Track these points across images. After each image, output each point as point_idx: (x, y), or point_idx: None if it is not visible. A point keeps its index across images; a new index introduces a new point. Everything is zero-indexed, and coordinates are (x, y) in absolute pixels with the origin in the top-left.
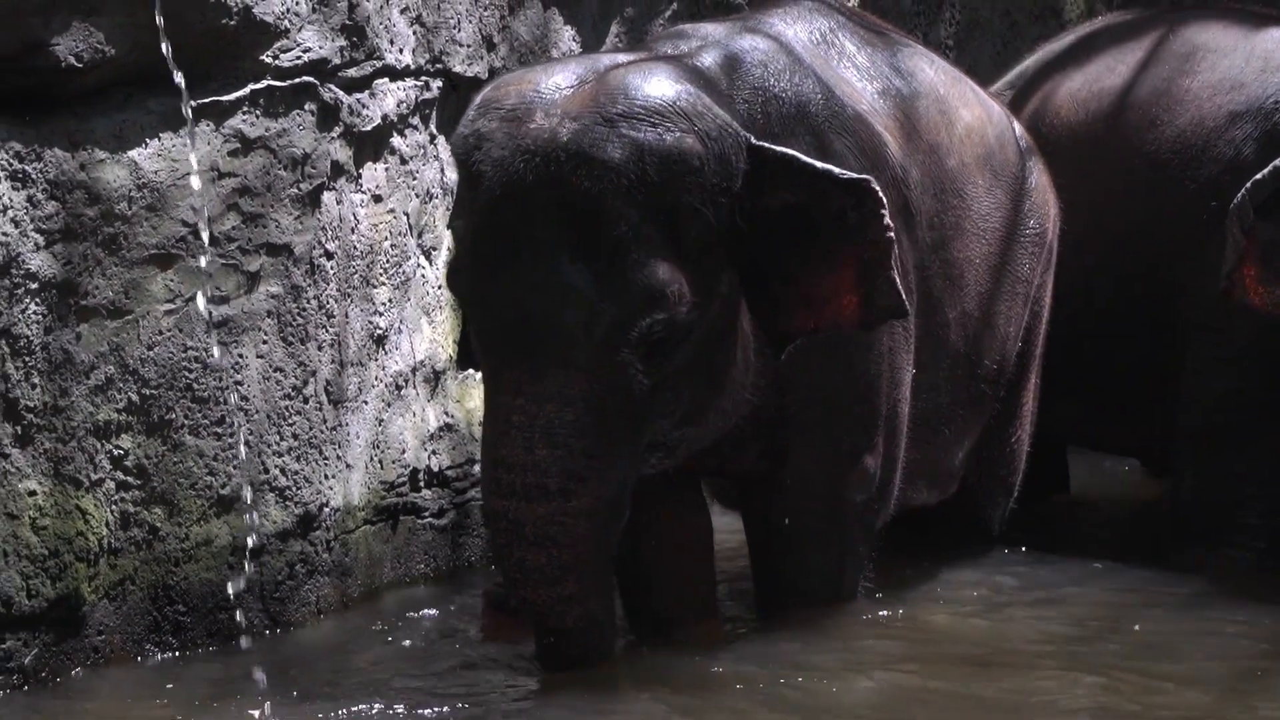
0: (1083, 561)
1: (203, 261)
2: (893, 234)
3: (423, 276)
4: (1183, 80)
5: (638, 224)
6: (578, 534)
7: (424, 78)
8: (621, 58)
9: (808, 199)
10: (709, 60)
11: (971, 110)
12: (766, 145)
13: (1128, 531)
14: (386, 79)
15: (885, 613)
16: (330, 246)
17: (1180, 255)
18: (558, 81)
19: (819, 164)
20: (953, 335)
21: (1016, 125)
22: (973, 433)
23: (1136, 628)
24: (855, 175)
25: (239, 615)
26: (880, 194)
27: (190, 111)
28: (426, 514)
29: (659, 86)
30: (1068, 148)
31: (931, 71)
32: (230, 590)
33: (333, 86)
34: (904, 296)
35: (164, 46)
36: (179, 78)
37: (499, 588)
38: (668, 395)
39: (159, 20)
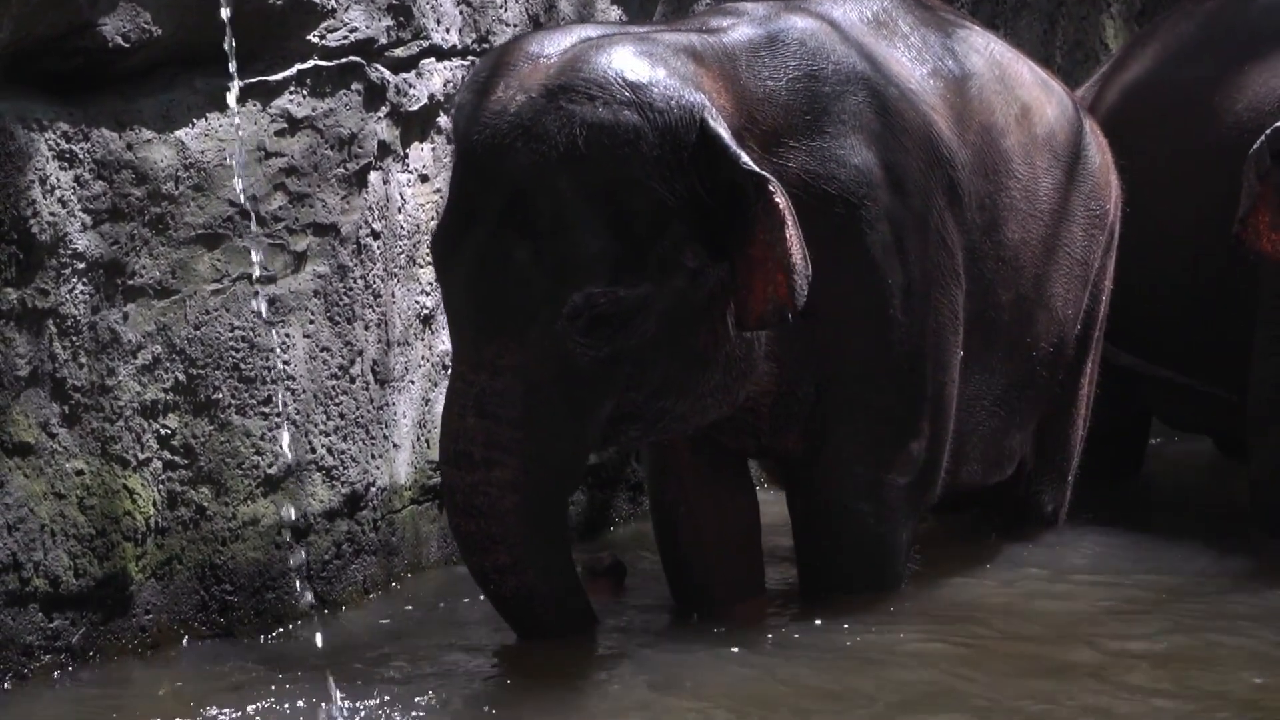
0: (1150, 543)
1: (255, 251)
2: (785, 237)
3: None
4: (1243, 66)
5: (571, 198)
6: (503, 506)
7: (471, 57)
8: (613, 30)
9: (739, 179)
10: (736, 37)
11: (1030, 91)
12: (709, 120)
13: (1199, 512)
14: (433, 59)
15: (930, 597)
16: (377, 226)
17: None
18: (533, 51)
19: (733, 148)
20: (1007, 317)
21: (1079, 106)
22: (1030, 416)
23: (1193, 609)
24: (754, 169)
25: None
26: (774, 192)
27: (236, 90)
28: None
29: (608, 59)
30: (1141, 136)
31: (988, 52)
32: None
33: (379, 66)
34: (790, 300)
35: (225, 14)
36: (232, 67)
37: (592, 557)
38: (629, 369)
39: (225, 11)
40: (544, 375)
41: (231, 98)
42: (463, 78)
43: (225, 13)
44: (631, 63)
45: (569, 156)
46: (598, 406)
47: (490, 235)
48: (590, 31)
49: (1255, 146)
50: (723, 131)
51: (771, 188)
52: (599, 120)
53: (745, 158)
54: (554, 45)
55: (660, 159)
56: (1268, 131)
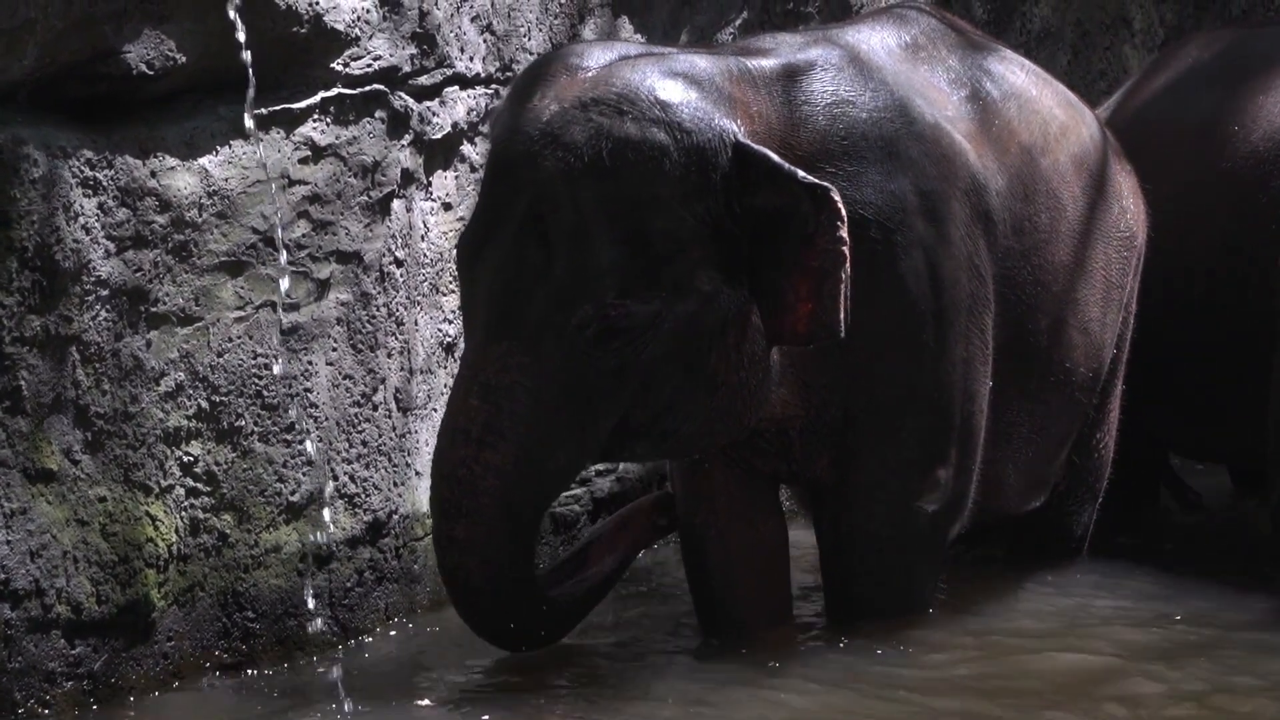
0: (1169, 574)
1: (284, 273)
2: (845, 248)
3: None
4: (1258, 97)
5: (591, 209)
6: (482, 484)
7: (494, 85)
8: (655, 50)
9: (784, 201)
10: (774, 62)
11: (1065, 112)
12: (748, 144)
13: (1218, 542)
14: (457, 87)
15: (956, 625)
16: (400, 254)
17: (1259, 267)
18: (572, 64)
19: (786, 165)
20: (1045, 342)
21: (1106, 129)
22: (1066, 442)
23: (1219, 644)
24: (816, 181)
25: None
26: (838, 204)
27: (252, 119)
28: None
29: (643, 76)
30: (1156, 165)
31: (1023, 75)
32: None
33: (403, 94)
34: (842, 315)
35: (245, 54)
36: (250, 89)
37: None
38: (635, 385)
39: (240, 35)
40: (549, 381)
41: (246, 119)
42: (486, 106)
43: (240, 34)
44: (665, 82)
45: (593, 168)
46: (599, 419)
47: (511, 239)
48: (631, 50)
49: None
50: (769, 152)
51: (835, 195)
52: (626, 135)
53: (801, 172)
54: (594, 59)
55: (684, 179)
56: None
